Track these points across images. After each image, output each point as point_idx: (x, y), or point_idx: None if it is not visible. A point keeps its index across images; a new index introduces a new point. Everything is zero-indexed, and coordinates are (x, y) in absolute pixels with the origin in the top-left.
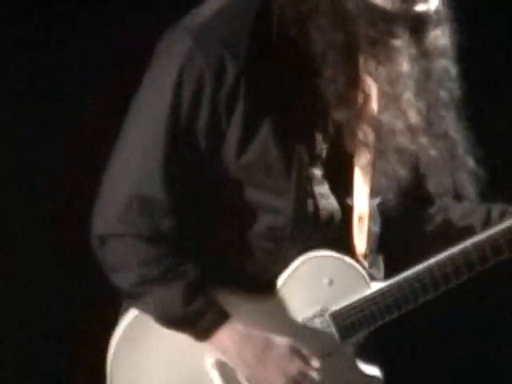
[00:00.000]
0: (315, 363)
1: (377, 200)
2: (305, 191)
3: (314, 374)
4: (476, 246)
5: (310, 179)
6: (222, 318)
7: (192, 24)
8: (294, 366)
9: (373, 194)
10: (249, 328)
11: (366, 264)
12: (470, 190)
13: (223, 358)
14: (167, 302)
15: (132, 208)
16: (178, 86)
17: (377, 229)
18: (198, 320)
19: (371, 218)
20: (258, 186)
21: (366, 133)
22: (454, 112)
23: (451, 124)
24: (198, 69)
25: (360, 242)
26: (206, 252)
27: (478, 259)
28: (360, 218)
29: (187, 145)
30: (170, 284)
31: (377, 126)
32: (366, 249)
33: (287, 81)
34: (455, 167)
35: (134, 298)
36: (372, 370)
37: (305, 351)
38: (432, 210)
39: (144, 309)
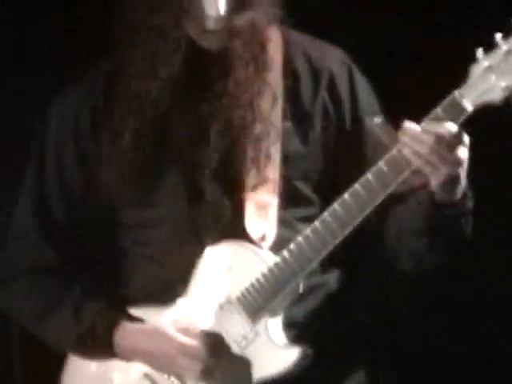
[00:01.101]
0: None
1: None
2: (189, 198)
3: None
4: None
5: (195, 184)
6: (113, 324)
7: None
8: (173, 351)
9: (286, 196)
10: (139, 325)
11: (263, 244)
12: None
13: (133, 360)
14: (61, 329)
15: (12, 247)
16: (42, 144)
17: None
18: (93, 333)
19: (289, 222)
20: (140, 202)
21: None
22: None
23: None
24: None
25: (258, 226)
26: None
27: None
28: (259, 204)
29: (60, 189)
30: (58, 310)
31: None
32: (268, 230)
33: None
34: None
35: (39, 337)
36: (292, 348)
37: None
38: None
39: (49, 343)
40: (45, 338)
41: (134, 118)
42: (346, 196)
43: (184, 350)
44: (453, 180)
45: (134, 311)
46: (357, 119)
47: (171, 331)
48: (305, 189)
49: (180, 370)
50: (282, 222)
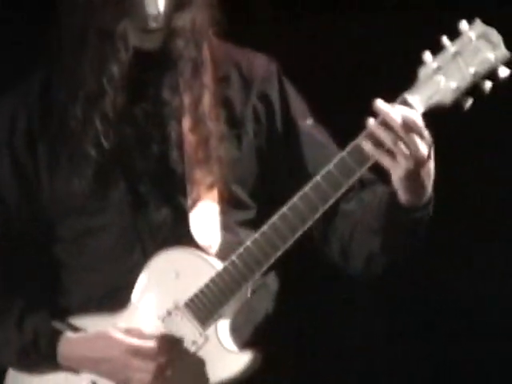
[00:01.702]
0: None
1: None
2: (127, 204)
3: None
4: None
5: (131, 190)
6: (56, 334)
7: None
8: (121, 348)
9: (225, 201)
10: (82, 333)
11: (210, 250)
12: None
13: (79, 370)
14: (3, 341)
15: None
16: None
17: (234, 236)
18: (36, 344)
19: (228, 225)
20: (76, 212)
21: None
22: None
23: None
24: None
25: (202, 234)
26: (42, 284)
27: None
28: (202, 213)
29: None
30: (1, 324)
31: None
32: (213, 242)
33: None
34: None
35: None
36: (242, 352)
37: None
38: None
39: None
40: None
41: (75, 123)
42: (299, 195)
43: (133, 350)
44: (413, 177)
45: (76, 321)
46: (290, 122)
47: (117, 334)
48: (242, 193)
49: (132, 373)
50: (223, 227)
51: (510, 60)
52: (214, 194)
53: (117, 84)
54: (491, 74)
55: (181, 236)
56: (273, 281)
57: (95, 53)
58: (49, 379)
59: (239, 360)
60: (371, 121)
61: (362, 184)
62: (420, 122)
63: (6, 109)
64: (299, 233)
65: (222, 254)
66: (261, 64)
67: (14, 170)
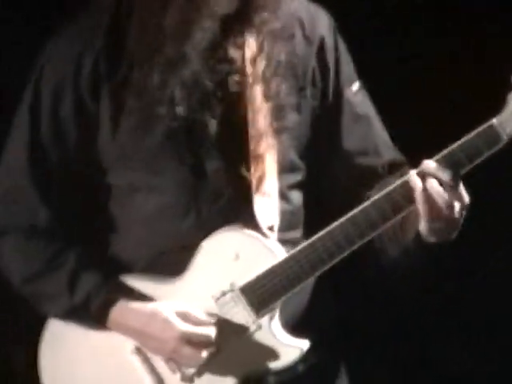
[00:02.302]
0: (205, 333)
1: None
2: (187, 168)
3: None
4: (375, 204)
5: (196, 155)
6: (109, 301)
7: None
8: (176, 333)
9: (280, 167)
10: (137, 304)
11: (272, 236)
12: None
13: (127, 338)
14: (54, 296)
15: (6, 203)
16: (37, 81)
17: (286, 202)
18: (86, 307)
19: (281, 191)
20: (137, 166)
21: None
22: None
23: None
24: (57, 62)
25: (266, 215)
26: (95, 238)
27: (379, 216)
28: (265, 192)
29: (54, 135)
30: (53, 276)
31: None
32: (277, 221)
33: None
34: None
35: (27, 297)
36: (296, 342)
37: (194, 327)
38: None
39: (37, 307)
40: (33, 301)
41: (150, 84)
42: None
43: (187, 338)
44: (440, 230)
45: (128, 280)
46: (338, 89)
47: (173, 318)
48: (294, 156)
49: (179, 358)
50: (279, 195)
51: None
52: (274, 161)
53: (199, 51)
54: None
55: (240, 210)
56: None
57: (179, 17)
58: (90, 334)
59: (290, 352)
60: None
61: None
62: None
63: (73, 45)
64: (367, 238)
65: (281, 227)
66: (321, 24)
67: (76, 108)
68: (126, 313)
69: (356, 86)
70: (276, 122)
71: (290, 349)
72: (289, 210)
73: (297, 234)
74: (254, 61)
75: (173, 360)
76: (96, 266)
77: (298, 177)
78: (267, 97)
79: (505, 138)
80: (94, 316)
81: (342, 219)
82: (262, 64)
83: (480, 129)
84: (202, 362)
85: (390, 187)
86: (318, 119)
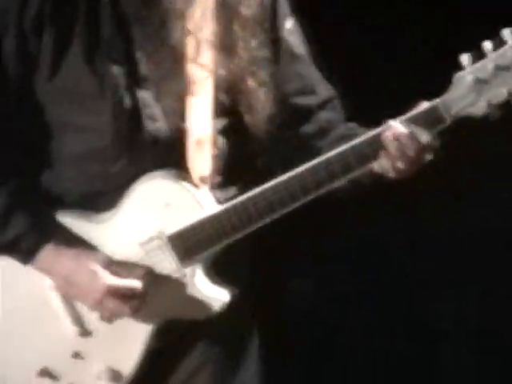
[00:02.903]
0: (132, 282)
1: (222, 122)
2: (124, 112)
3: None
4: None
5: (132, 100)
6: (39, 242)
7: None
8: (102, 286)
9: (218, 114)
10: (65, 249)
11: (204, 187)
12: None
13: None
14: None
15: None
16: None
17: (222, 152)
18: (15, 246)
19: (214, 140)
20: (73, 107)
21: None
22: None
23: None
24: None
25: (199, 165)
26: (29, 176)
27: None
28: (199, 141)
29: None
30: None
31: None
32: (210, 172)
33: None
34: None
35: None
36: (217, 293)
37: (123, 270)
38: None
39: None
40: None
41: (86, 17)
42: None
43: (112, 291)
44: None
45: (62, 217)
46: (276, 29)
47: (100, 270)
48: (224, 98)
49: (103, 310)
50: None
51: None
52: (208, 106)
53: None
54: None
55: (174, 158)
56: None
57: None
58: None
59: (212, 303)
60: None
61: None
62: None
63: None
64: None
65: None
66: None
67: (18, 45)
68: (55, 257)
69: (290, 22)
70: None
71: (212, 300)
72: (220, 156)
73: (232, 189)
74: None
75: (97, 311)
76: (29, 203)
77: (226, 120)
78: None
79: (448, 119)
80: (22, 256)
81: (282, 177)
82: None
83: (423, 109)
84: (127, 315)
85: (357, 140)
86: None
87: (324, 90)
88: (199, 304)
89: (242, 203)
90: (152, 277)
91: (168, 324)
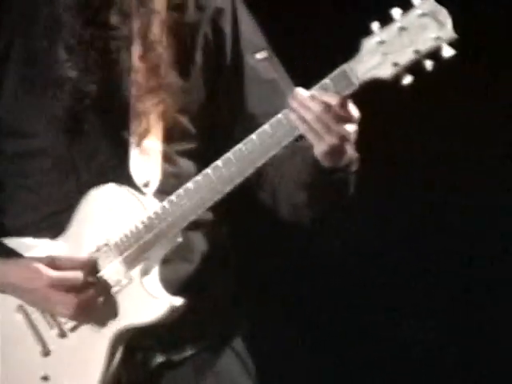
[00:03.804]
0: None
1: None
2: (66, 130)
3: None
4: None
5: (74, 117)
6: None
7: None
8: (46, 281)
9: (169, 132)
10: (12, 260)
11: (148, 191)
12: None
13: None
14: None
15: None
16: None
17: (173, 166)
18: None
19: (168, 154)
20: (19, 132)
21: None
22: None
23: None
24: None
25: (141, 171)
26: None
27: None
28: (145, 150)
29: None
30: None
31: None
32: (151, 179)
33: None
34: None
35: None
36: (168, 298)
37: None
38: None
39: None
40: None
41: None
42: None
43: (55, 283)
44: (336, 152)
45: (9, 242)
46: (238, 56)
47: (40, 266)
48: (186, 122)
49: (52, 306)
50: (164, 158)
51: (457, 41)
52: (159, 125)
53: (72, 12)
54: (434, 54)
55: (117, 169)
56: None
57: None
58: None
59: (158, 307)
60: (292, 101)
61: None
62: (341, 102)
63: None
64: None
65: (162, 188)
66: None
67: None
68: (2, 270)
69: (262, 54)
70: (152, 79)
71: (160, 303)
72: (175, 174)
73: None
74: (128, 20)
75: (48, 311)
76: None
77: (190, 144)
78: (143, 54)
79: (356, 82)
80: None
81: (207, 169)
82: (137, 22)
83: (331, 75)
84: (74, 310)
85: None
86: (214, 83)
87: None
88: (147, 307)
89: (177, 196)
90: (102, 285)
91: (137, 350)
